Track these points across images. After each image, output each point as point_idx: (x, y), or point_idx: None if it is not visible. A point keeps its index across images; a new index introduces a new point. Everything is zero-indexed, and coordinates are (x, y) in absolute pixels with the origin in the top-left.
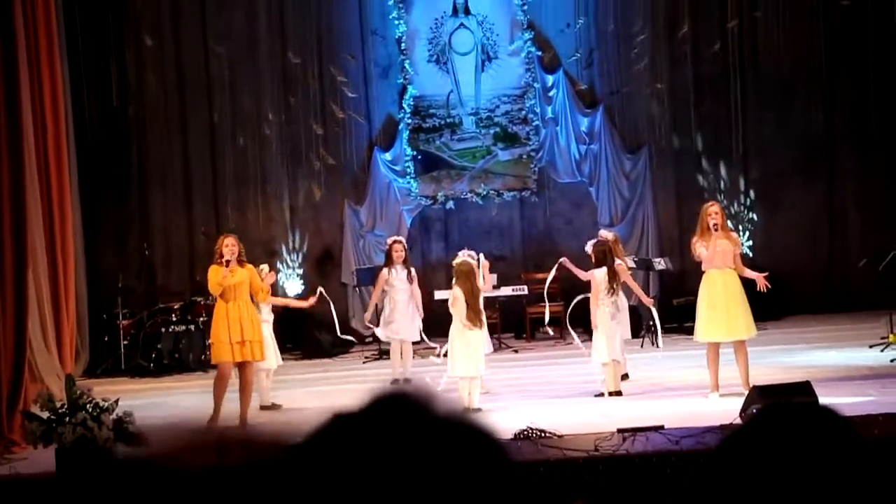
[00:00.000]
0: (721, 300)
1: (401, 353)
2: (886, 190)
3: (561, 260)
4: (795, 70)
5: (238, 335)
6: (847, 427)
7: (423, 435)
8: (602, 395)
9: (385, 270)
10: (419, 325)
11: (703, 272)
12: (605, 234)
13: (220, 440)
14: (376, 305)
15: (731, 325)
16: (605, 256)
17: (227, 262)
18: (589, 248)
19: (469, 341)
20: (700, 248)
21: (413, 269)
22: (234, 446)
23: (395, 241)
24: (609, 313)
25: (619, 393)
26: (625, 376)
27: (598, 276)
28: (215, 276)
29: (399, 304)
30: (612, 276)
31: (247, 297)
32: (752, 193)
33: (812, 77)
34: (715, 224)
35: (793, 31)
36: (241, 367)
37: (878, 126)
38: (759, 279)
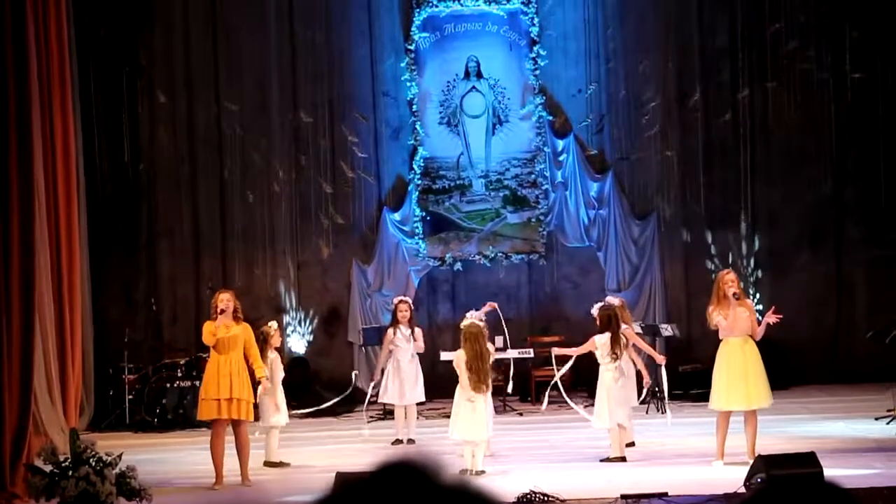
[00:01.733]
0: (741, 369)
1: (405, 414)
2: (894, 262)
3: (553, 352)
4: (805, 141)
5: (227, 392)
6: (851, 502)
7: (428, 501)
8: (608, 459)
9: (390, 331)
10: (422, 386)
11: (721, 340)
12: (612, 299)
13: None
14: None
15: (752, 394)
16: (609, 322)
17: (222, 311)
18: (595, 311)
19: (471, 406)
20: (718, 317)
21: (417, 329)
22: None
23: (400, 301)
24: (613, 378)
25: (622, 459)
26: (631, 444)
27: (599, 341)
28: (208, 327)
29: (402, 363)
30: (615, 341)
31: (240, 353)
32: (759, 262)
33: (822, 149)
34: (735, 293)
35: (804, 102)
36: (235, 425)
37: (888, 199)
38: (770, 316)
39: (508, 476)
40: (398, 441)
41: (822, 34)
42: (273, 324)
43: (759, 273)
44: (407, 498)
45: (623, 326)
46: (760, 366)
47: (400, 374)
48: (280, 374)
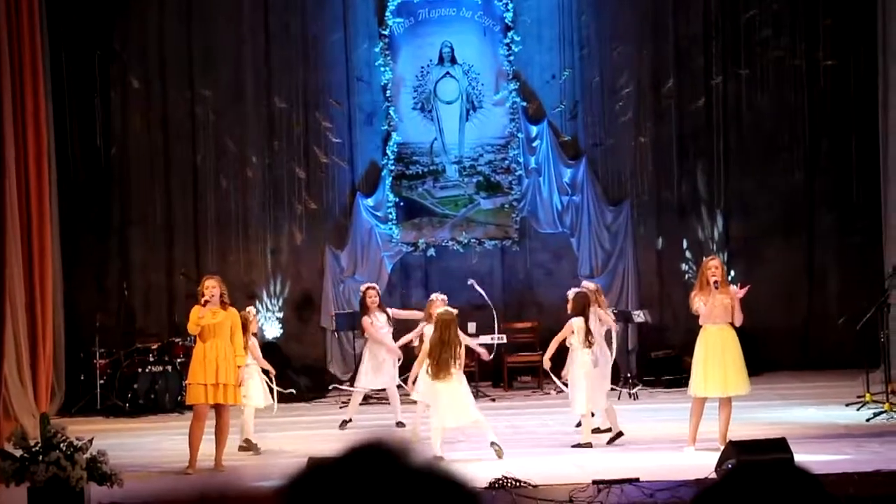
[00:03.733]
0: (719, 356)
1: (385, 398)
2: (865, 250)
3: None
4: (778, 129)
5: (213, 377)
6: (818, 486)
7: (398, 484)
8: (579, 445)
9: (365, 319)
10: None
11: (701, 327)
12: (588, 284)
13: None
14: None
15: (729, 382)
16: (583, 308)
17: (206, 301)
18: (570, 295)
19: (436, 392)
20: (698, 302)
21: (389, 311)
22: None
23: (368, 288)
24: (590, 361)
25: (589, 444)
26: (619, 434)
27: (576, 324)
28: (194, 316)
29: (377, 349)
30: (589, 327)
31: (226, 339)
32: (732, 250)
33: (794, 137)
34: (716, 280)
35: (777, 89)
36: (218, 409)
37: (859, 188)
38: (739, 291)
39: (480, 461)
40: (345, 423)
41: (796, 22)
42: (251, 309)
43: (732, 260)
44: (376, 481)
45: (600, 311)
46: (738, 353)
47: (376, 359)
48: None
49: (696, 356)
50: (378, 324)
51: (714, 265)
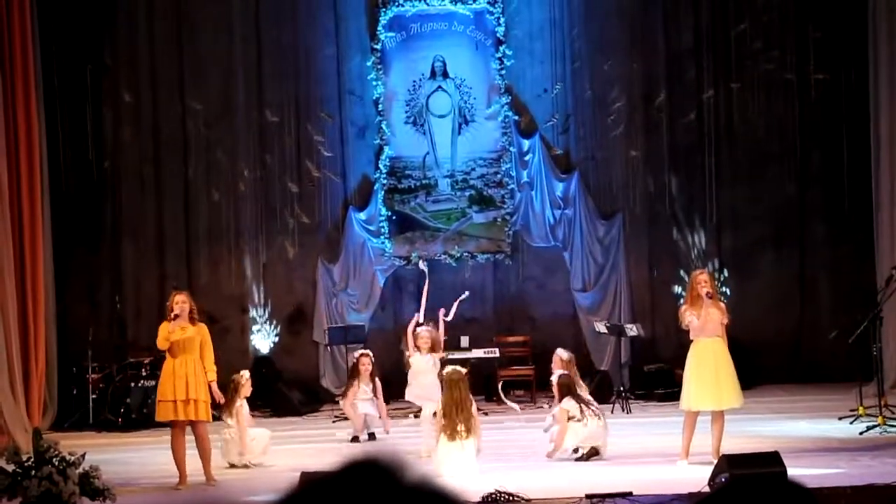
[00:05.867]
0: (711, 369)
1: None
2: (857, 262)
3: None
4: (769, 142)
5: (183, 393)
6: (812, 500)
7: (392, 500)
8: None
9: (353, 386)
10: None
11: (692, 340)
12: (562, 353)
13: None
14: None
15: (721, 395)
16: (569, 389)
17: (176, 316)
18: (553, 380)
19: (449, 451)
20: (690, 316)
21: (378, 383)
22: None
23: (362, 355)
24: (585, 432)
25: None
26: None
27: (570, 406)
28: (162, 331)
29: (369, 413)
30: (579, 399)
31: (196, 354)
32: (724, 262)
33: (786, 149)
34: (707, 292)
35: (768, 103)
36: (193, 427)
37: (850, 200)
38: None
39: (473, 476)
40: (355, 438)
41: (786, 35)
42: (244, 373)
43: (724, 272)
44: (370, 497)
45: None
46: (731, 366)
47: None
48: (246, 421)
49: (688, 369)
50: (360, 395)
51: (704, 279)
